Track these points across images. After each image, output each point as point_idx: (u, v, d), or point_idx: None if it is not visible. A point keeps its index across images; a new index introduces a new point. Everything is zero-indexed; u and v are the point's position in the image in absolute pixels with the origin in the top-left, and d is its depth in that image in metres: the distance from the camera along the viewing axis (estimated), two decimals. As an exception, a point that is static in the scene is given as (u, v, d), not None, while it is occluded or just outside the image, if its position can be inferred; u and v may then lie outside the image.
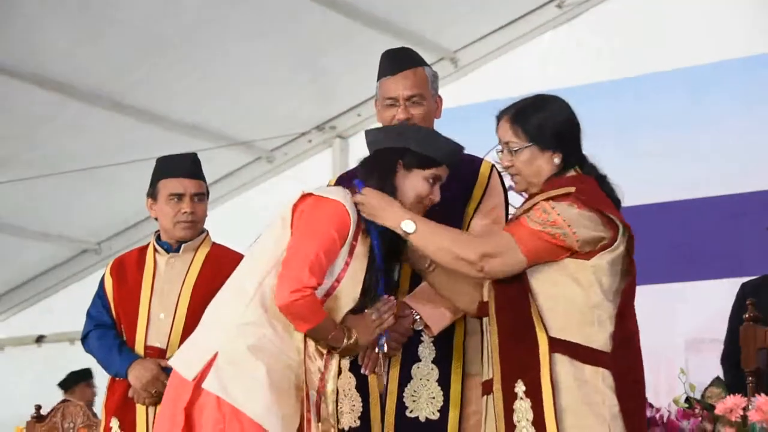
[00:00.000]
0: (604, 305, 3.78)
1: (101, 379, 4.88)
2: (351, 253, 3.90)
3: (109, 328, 4.83)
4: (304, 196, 3.92)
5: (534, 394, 3.69)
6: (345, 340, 3.88)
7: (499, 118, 3.96)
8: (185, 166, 4.84)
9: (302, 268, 3.78)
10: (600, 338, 3.76)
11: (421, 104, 4.40)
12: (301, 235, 3.86)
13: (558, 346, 3.72)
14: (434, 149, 3.98)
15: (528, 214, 3.80)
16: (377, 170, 3.98)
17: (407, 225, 3.83)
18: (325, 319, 3.83)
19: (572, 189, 3.80)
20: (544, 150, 3.87)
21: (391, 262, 4.05)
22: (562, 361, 3.73)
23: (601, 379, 3.74)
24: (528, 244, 3.77)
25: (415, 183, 3.96)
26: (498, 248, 3.78)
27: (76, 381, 8.84)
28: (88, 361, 4.94)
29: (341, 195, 3.91)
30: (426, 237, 3.83)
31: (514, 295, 3.80)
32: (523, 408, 3.70)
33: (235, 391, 3.77)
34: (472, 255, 3.78)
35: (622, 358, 3.79)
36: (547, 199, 3.79)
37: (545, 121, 3.87)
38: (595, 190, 3.86)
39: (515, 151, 3.89)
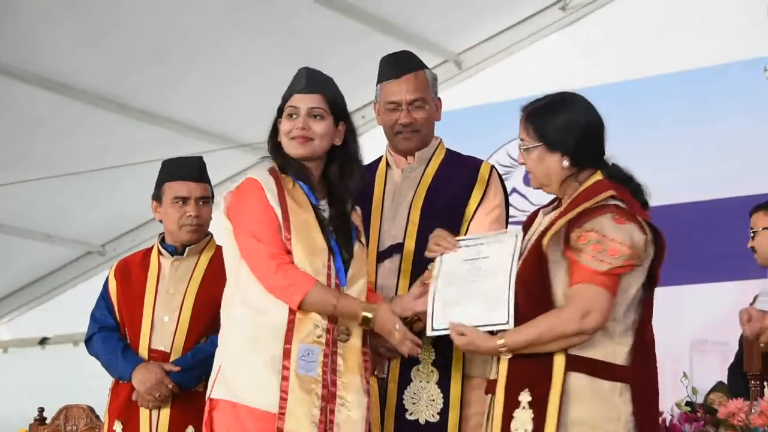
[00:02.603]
0: (628, 316, 3.68)
1: (105, 381, 4.87)
2: (283, 204, 3.89)
3: (112, 331, 4.83)
4: (226, 200, 3.98)
5: (539, 406, 3.60)
6: (362, 311, 3.85)
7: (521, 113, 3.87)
8: (191, 169, 4.84)
9: (256, 248, 3.82)
10: (621, 352, 3.66)
11: (423, 108, 4.42)
12: (236, 227, 3.90)
13: (576, 363, 3.63)
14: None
15: (583, 251, 3.62)
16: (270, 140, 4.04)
17: (500, 342, 3.69)
18: (316, 285, 3.80)
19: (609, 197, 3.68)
20: (552, 151, 3.76)
21: (337, 200, 4.01)
22: (578, 376, 3.63)
23: (618, 394, 3.64)
24: (611, 285, 3.61)
25: (282, 127, 3.99)
26: (590, 305, 3.59)
27: None
28: (92, 364, 4.93)
29: (252, 172, 3.95)
30: (520, 337, 3.66)
31: (536, 305, 3.67)
32: (522, 418, 3.62)
33: (239, 389, 3.80)
34: (573, 327, 3.60)
35: (642, 371, 3.69)
36: (589, 229, 3.63)
37: (556, 123, 3.75)
38: (628, 197, 3.73)
39: (526, 149, 3.81)
